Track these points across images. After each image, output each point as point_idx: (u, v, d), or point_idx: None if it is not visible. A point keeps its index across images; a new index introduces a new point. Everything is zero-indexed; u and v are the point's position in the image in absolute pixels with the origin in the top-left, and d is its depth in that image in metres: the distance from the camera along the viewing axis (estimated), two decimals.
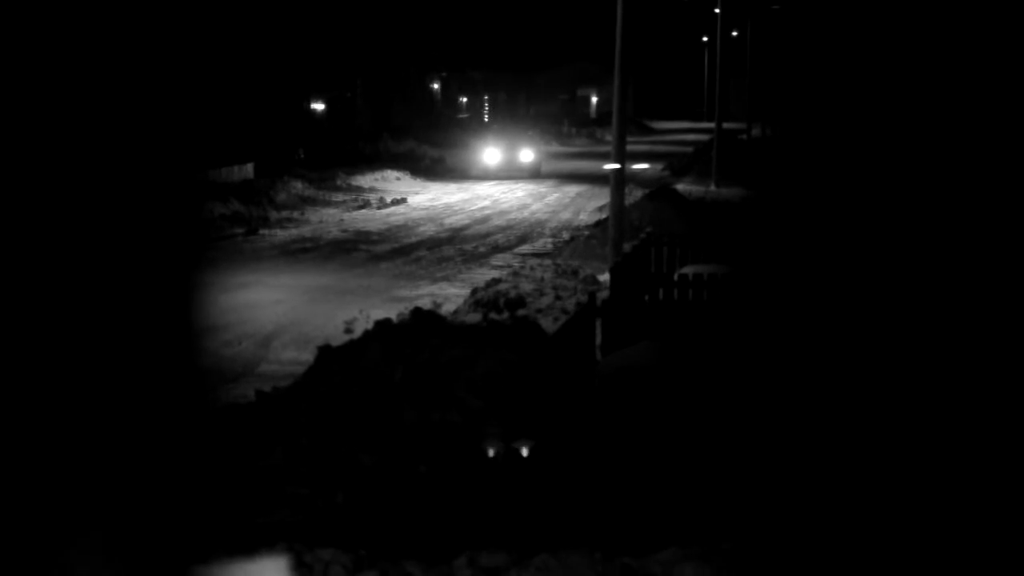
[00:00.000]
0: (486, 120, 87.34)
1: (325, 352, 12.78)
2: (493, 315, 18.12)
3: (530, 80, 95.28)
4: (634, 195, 34.54)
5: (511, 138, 51.86)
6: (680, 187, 40.19)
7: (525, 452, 10.77)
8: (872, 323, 15.13)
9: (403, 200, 39.76)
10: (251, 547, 8.82)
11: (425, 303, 19.33)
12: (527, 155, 50.10)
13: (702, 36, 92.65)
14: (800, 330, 15.38)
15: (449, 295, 21.39)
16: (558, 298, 19.17)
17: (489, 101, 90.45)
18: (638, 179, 44.52)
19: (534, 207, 38.84)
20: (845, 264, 20.79)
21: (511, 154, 49.83)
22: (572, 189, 44.70)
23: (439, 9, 71.86)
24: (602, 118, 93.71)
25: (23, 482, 9.45)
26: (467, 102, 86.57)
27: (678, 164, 55.55)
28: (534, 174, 49.32)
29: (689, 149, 69.28)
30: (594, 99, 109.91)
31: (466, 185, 46.41)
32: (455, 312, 18.95)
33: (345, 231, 32.17)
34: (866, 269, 19.52)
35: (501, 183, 46.68)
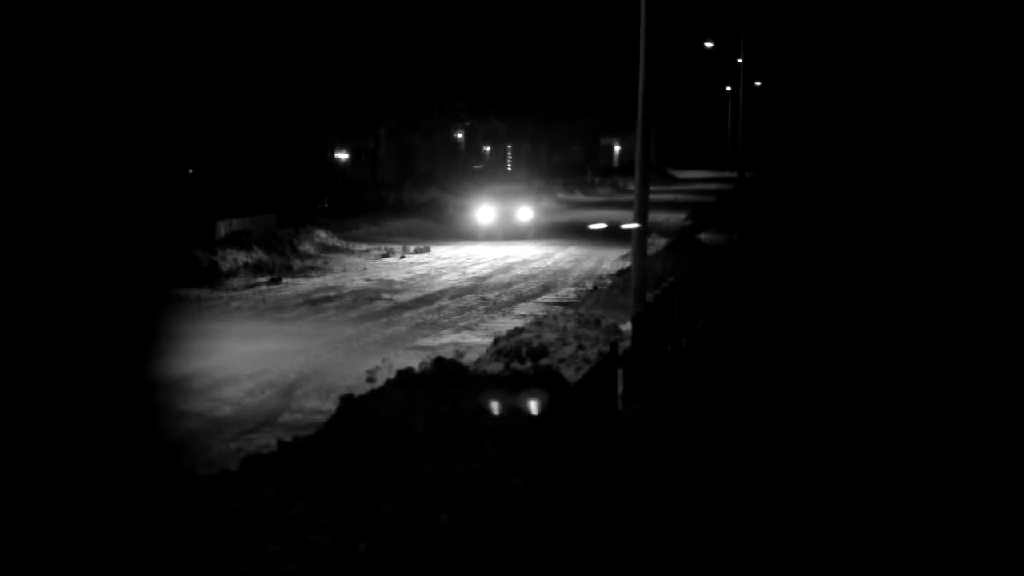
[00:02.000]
0: (509, 169, 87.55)
1: (347, 402, 12.81)
2: (515, 365, 18.12)
3: (553, 129, 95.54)
4: (657, 245, 34.59)
5: (507, 195, 47.72)
6: (703, 237, 40.20)
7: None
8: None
9: (426, 249, 39.84)
10: None
11: (448, 352, 19.33)
12: (524, 213, 45.99)
13: (725, 86, 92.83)
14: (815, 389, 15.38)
15: (472, 344, 21.39)
16: (580, 348, 19.15)
17: (512, 150, 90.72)
18: (661, 229, 44.52)
19: (556, 256, 38.89)
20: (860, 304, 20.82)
21: (506, 213, 45.60)
22: (590, 242, 44.71)
23: (463, 60, 72.21)
24: (625, 167, 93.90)
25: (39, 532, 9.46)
26: (490, 151, 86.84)
27: (701, 213, 55.58)
28: (531, 235, 45.21)
29: (712, 198, 69.31)
30: (617, 148, 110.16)
31: None
32: (477, 361, 18.95)
33: (368, 280, 32.24)
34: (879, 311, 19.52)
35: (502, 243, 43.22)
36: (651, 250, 30.23)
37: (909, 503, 10.89)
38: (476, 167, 76.99)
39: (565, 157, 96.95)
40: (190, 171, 48.34)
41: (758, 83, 77.47)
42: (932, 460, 12.40)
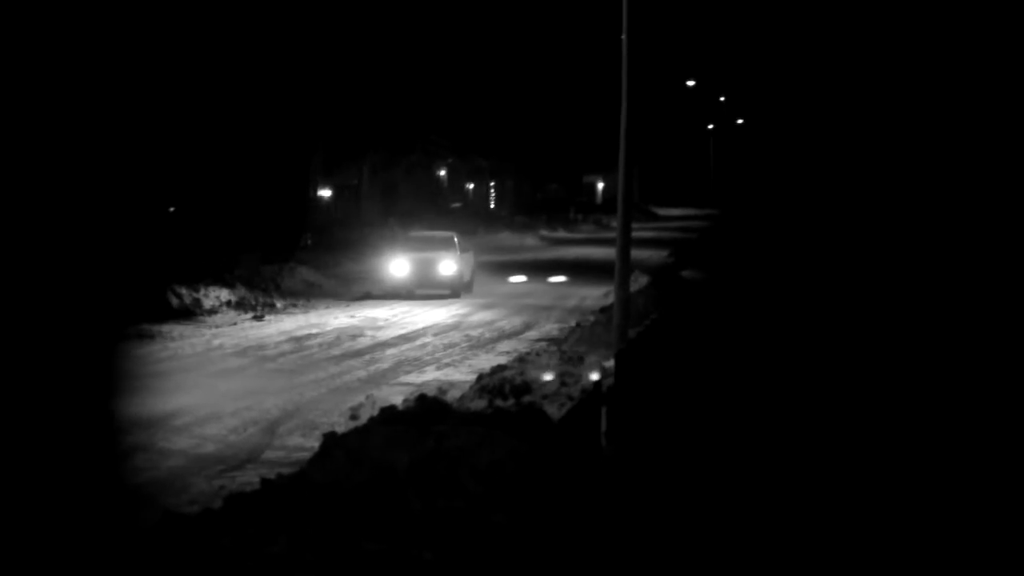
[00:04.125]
0: (492, 207, 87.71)
1: (330, 439, 12.80)
2: (499, 401, 18.14)
3: (536, 167, 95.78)
4: (639, 282, 34.60)
5: (429, 242, 39.11)
6: (685, 274, 40.29)
7: None
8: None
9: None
10: None
11: (431, 389, 19.35)
12: (447, 267, 37.56)
13: (707, 124, 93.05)
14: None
15: (455, 381, 21.40)
16: (564, 384, 19.17)
17: (496, 187, 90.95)
18: (644, 266, 44.56)
19: (539, 292, 38.96)
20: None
21: (425, 264, 37.51)
22: (569, 282, 44.64)
23: (447, 98, 72.45)
24: (608, 204, 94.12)
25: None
26: (474, 188, 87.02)
27: (683, 250, 55.73)
28: (455, 291, 37.71)
29: (694, 235, 69.53)
30: (600, 185, 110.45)
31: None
32: (461, 398, 18.96)
33: (352, 316, 32.26)
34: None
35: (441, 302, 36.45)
36: (634, 287, 30.28)
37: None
38: (453, 205, 76.36)
39: (548, 194, 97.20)
40: (171, 209, 48.42)
41: (740, 121, 77.90)
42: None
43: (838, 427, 15.63)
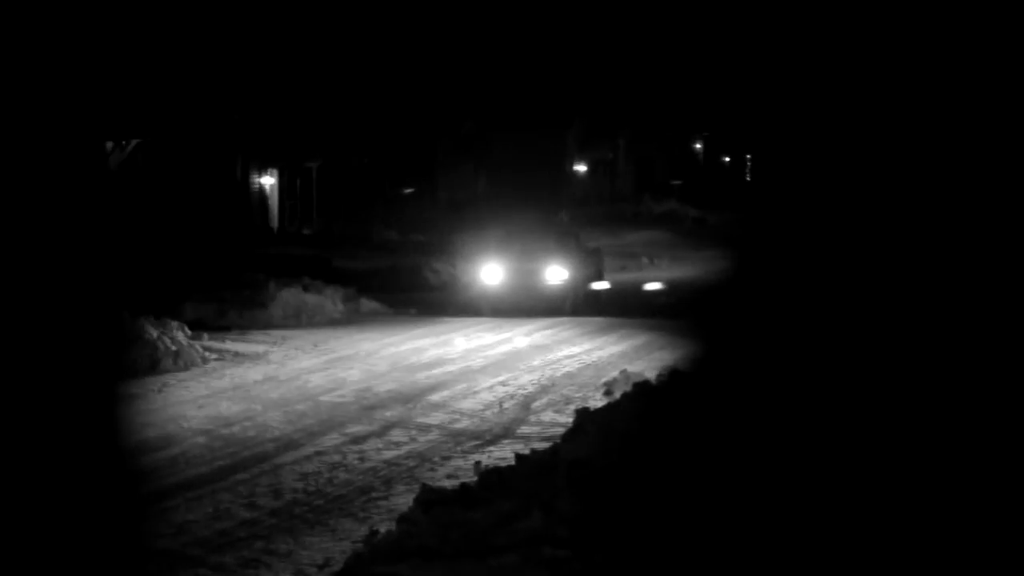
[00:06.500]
0: (748, 179, 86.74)
1: (582, 414, 12.86)
2: None
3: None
4: None
5: (534, 242, 29.91)
6: None
7: None
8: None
9: (662, 260, 39.81)
10: None
11: (685, 364, 19.22)
12: (556, 273, 29.24)
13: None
14: None
15: None
16: None
17: (751, 160, 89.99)
18: None
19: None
20: None
21: (527, 272, 29.01)
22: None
23: (702, 71, 71.91)
24: None
25: None
26: (730, 161, 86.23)
27: None
28: (561, 307, 28.74)
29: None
30: None
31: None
32: None
33: (608, 291, 32.30)
34: None
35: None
36: None
37: None
38: (673, 183, 72.73)
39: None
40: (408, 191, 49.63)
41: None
42: None
43: None
